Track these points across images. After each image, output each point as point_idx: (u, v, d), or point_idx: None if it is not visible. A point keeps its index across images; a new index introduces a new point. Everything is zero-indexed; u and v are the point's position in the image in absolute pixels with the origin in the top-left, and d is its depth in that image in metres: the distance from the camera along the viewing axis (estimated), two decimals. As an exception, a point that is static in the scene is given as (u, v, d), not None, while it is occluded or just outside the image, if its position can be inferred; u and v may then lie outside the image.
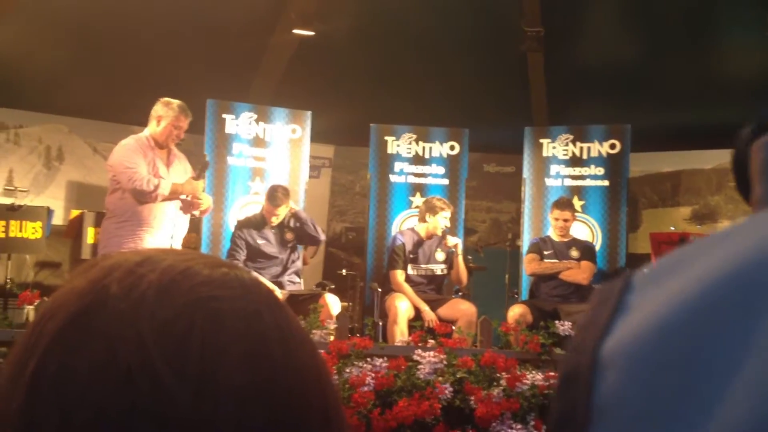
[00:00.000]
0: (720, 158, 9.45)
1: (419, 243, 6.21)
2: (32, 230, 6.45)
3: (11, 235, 6.39)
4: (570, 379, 0.53)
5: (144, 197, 4.81)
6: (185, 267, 0.56)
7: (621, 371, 0.49)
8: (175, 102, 5.04)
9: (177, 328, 0.52)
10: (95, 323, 0.52)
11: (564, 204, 6.37)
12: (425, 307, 5.90)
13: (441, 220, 6.16)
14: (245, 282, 0.57)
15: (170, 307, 0.53)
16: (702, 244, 0.53)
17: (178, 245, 5.15)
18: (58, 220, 7.52)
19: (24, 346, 0.54)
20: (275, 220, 5.97)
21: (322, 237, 6.17)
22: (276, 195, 5.96)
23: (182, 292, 0.54)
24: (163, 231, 4.95)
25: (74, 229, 6.47)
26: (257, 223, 5.98)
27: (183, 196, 5.01)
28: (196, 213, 5.19)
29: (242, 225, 6.00)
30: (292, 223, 6.05)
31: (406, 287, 6.03)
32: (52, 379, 0.51)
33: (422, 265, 6.21)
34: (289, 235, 5.99)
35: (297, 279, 6.10)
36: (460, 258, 6.20)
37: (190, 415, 0.50)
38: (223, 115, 6.75)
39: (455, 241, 6.17)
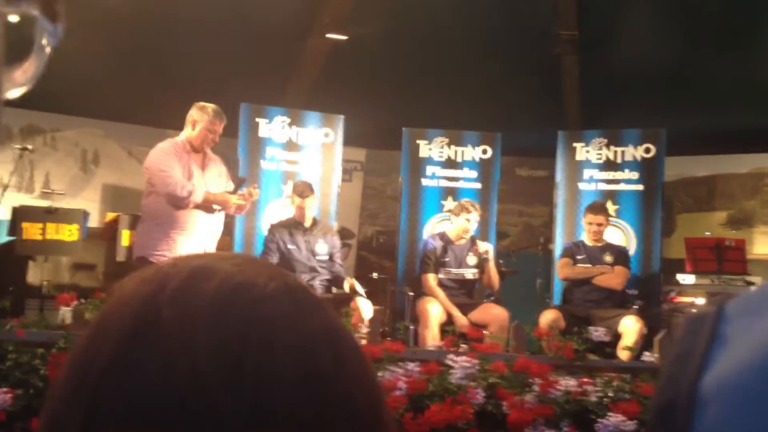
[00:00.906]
0: (755, 162, 9.32)
1: (451, 247, 6.20)
2: (68, 232, 6.54)
3: (48, 237, 6.48)
4: (667, 413, 0.51)
5: (178, 202, 4.86)
6: (237, 284, 0.55)
7: (723, 407, 0.48)
8: (210, 106, 5.09)
9: (231, 354, 0.52)
10: (149, 348, 0.52)
11: (597, 208, 6.32)
12: (457, 312, 5.88)
13: (472, 221, 6.13)
14: (297, 298, 0.57)
15: (223, 332, 0.52)
16: None
17: (212, 248, 5.19)
18: (93, 222, 7.62)
19: (79, 365, 0.54)
20: (307, 221, 5.97)
21: (342, 274, 6.11)
22: (298, 188, 6.02)
23: (235, 313, 0.53)
24: (198, 234, 5.00)
25: (109, 231, 6.55)
26: (290, 226, 5.99)
27: (215, 207, 5.07)
28: (231, 210, 5.23)
29: (275, 228, 6.02)
30: (328, 241, 6.02)
31: (439, 291, 6.02)
32: (110, 405, 0.51)
33: (453, 270, 6.19)
34: (320, 249, 5.98)
35: (327, 284, 6.01)
36: (492, 263, 6.18)
37: None
38: (257, 119, 6.80)
39: (486, 247, 6.14)
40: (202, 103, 5.10)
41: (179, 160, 4.95)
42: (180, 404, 0.50)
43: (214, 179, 5.14)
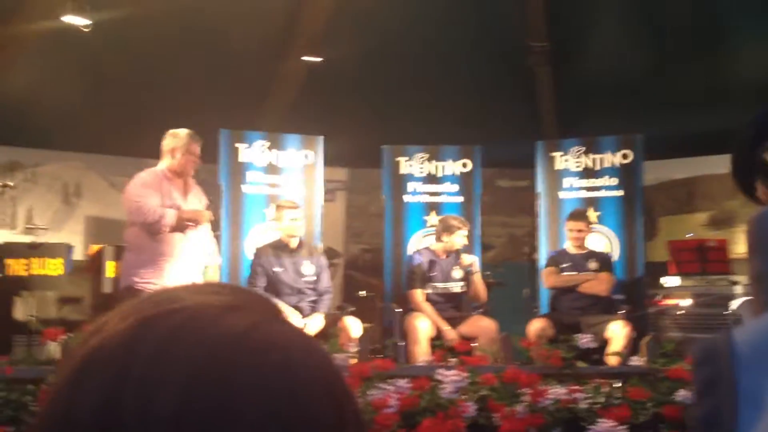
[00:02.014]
0: (734, 162, 9.41)
1: (436, 262, 6.23)
2: (53, 267, 6.54)
3: (33, 272, 6.47)
4: None
5: (152, 229, 4.86)
6: (201, 368, 0.54)
7: None
8: (183, 131, 5.11)
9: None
10: (121, 411, 0.52)
11: (577, 215, 6.38)
12: (446, 326, 5.91)
13: (458, 239, 6.18)
14: (264, 371, 0.55)
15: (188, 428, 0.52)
16: None
17: (197, 272, 5.18)
18: (78, 255, 7.60)
19: (58, 409, 0.54)
20: (293, 241, 5.98)
21: (329, 294, 6.12)
22: (278, 205, 6.08)
23: (204, 400, 0.52)
24: (182, 260, 5.00)
25: (95, 263, 6.54)
26: (275, 249, 6.01)
27: (189, 223, 5.06)
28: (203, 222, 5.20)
29: (260, 252, 6.03)
30: (314, 261, 6.04)
31: (426, 306, 6.04)
32: None
33: (440, 284, 6.22)
34: (306, 270, 5.98)
35: (314, 305, 5.99)
36: (478, 275, 6.21)
37: None
38: (236, 144, 6.82)
39: (471, 260, 6.18)
40: (174, 131, 5.12)
41: (158, 189, 4.95)
42: None
43: (194, 205, 5.17)
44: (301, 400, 0.56)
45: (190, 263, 5.08)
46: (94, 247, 6.81)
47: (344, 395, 0.59)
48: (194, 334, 0.55)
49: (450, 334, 5.82)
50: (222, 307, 0.58)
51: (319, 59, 8.17)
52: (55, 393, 0.56)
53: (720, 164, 9.40)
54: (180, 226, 4.97)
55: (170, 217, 4.88)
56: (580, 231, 6.26)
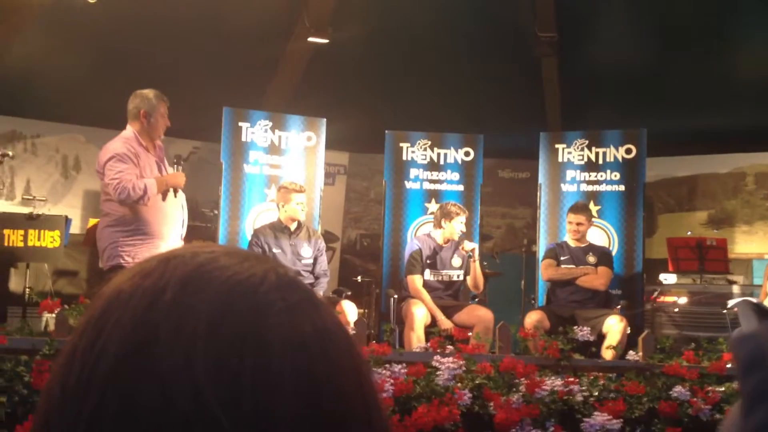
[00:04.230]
0: (736, 162, 9.42)
1: (436, 249, 6.21)
2: (50, 239, 6.50)
3: (30, 244, 6.44)
4: None
5: (135, 204, 4.69)
6: (230, 290, 0.55)
7: None
8: (150, 92, 4.85)
9: (228, 366, 0.52)
10: (149, 365, 0.52)
11: (579, 208, 6.37)
12: (441, 316, 5.89)
13: (457, 225, 6.16)
14: (291, 301, 0.57)
15: (219, 345, 0.53)
16: None
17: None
18: (75, 229, 7.58)
19: (76, 377, 0.54)
20: (293, 224, 5.97)
21: (326, 278, 6.10)
22: (283, 187, 6.02)
23: (230, 325, 0.53)
24: (169, 231, 4.85)
25: (92, 237, 6.50)
26: (274, 230, 5.99)
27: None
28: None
29: (259, 232, 6.01)
30: (312, 245, 6.02)
31: (424, 293, 6.03)
32: (112, 423, 0.51)
33: (439, 271, 6.20)
34: (305, 253, 5.97)
35: (314, 288, 6.01)
36: (477, 263, 6.19)
37: None
38: (239, 123, 6.78)
39: (472, 246, 6.16)
40: (140, 92, 4.86)
41: (135, 159, 4.71)
42: (183, 424, 0.50)
43: (167, 166, 4.97)
44: (335, 364, 0.56)
45: (176, 232, 4.91)
46: (92, 221, 6.78)
47: (365, 366, 0.60)
48: (221, 270, 0.57)
49: (445, 323, 5.81)
50: (246, 272, 0.58)
51: (325, 41, 8.12)
52: (81, 329, 0.56)
53: (722, 164, 9.40)
54: (162, 193, 4.79)
55: (152, 187, 4.65)
56: (580, 224, 6.25)
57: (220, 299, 0.54)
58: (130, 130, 4.84)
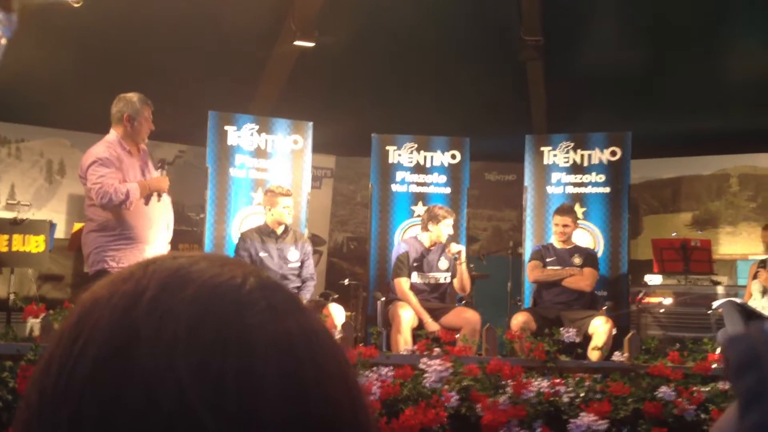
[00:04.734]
0: (719, 164, 9.49)
1: (423, 251, 6.22)
2: (35, 244, 6.47)
3: (14, 249, 6.40)
4: None
5: (119, 208, 4.67)
6: (212, 291, 0.54)
7: None
8: (134, 95, 4.84)
9: (212, 367, 0.51)
10: (130, 367, 0.51)
11: (564, 210, 6.40)
12: (428, 318, 5.90)
13: (444, 228, 6.18)
14: (274, 302, 0.56)
15: (202, 345, 0.51)
16: None
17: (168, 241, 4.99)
18: (60, 233, 7.54)
19: (54, 382, 0.53)
20: (280, 228, 5.96)
21: (313, 281, 6.11)
22: (270, 190, 6.01)
23: (212, 324, 0.52)
24: (154, 235, 4.83)
25: (77, 242, 6.47)
26: (261, 234, 5.98)
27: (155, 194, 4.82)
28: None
29: (246, 236, 6.00)
30: (299, 248, 6.01)
31: (411, 296, 6.03)
32: (92, 428, 0.50)
33: (426, 274, 6.21)
34: (291, 256, 5.97)
35: (297, 292, 5.99)
36: (464, 266, 6.21)
37: None
38: (225, 127, 6.77)
39: (459, 248, 6.17)
40: (124, 95, 4.84)
41: (118, 164, 4.69)
42: (167, 426, 0.49)
43: (151, 170, 4.97)
44: (322, 367, 0.55)
45: (161, 236, 4.89)
46: (77, 226, 6.74)
47: (351, 369, 0.59)
48: (201, 273, 0.56)
49: (432, 326, 5.82)
50: (227, 274, 0.58)
51: (311, 44, 8.12)
52: (59, 334, 0.55)
53: (706, 165, 9.47)
54: (145, 197, 4.77)
55: (134, 192, 4.64)
56: (566, 226, 6.28)
57: (201, 300, 0.53)
58: (113, 134, 4.82)
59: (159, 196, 4.87)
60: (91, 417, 0.50)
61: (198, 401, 0.50)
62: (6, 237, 6.38)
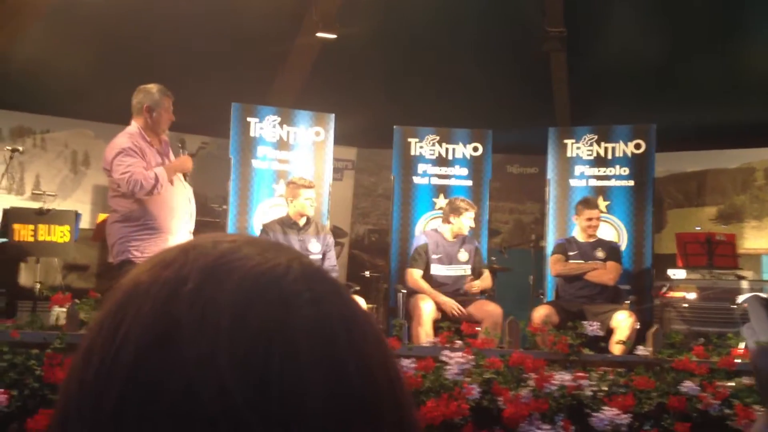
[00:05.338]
0: (745, 157, 9.38)
1: (444, 244, 6.22)
2: (60, 234, 6.53)
3: (40, 238, 6.47)
4: None
5: (149, 194, 4.67)
6: (255, 280, 0.53)
7: None
8: (154, 86, 4.86)
9: (255, 362, 0.50)
10: (171, 358, 0.50)
11: (594, 203, 6.39)
12: (444, 299, 5.93)
13: (465, 221, 6.17)
14: (317, 292, 0.55)
15: (246, 338, 0.51)
16: None
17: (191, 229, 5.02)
18: (85, 224, 7.60)
19: (95, 372, 0.52)
20: (302, 219, 5.97)
21: (335, 273, 6.10)
22: (292, 182, 6.02)
23: (256, 317, 0.51)
24: (179, 225, 4.86)
25: (101, 232, 6.52)
26: (283, 225, 5.99)
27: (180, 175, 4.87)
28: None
29: (268, 227, 6.02)
30: (321, 240, 6.02)
31: (423, 283, 6.05)
32: (135, 418, 0.49)
33: (446, 266, 6.21)
34: (313, 248, 5.97)
35: None
36: (486, 278, 6.23)
37: None
38: (248, 119, 6.79)
39: (479, 285, 6.18)
40: (144, 86, 4.87)
41: (141, 153, 4.72)
42: (209, 423, 0.49)
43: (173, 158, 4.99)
44: (365, 363, 0.54)
45: (184, 226, 4.91)
46: (102, 216, 6.79)
47: (393, 360, 0.59)
48: (243, 261, 0.55)
49: (449, 304, 5.87)
50: (270, 261, 0.57)
51: (333, 36, 8.11)
52: (98, 323, 0.55)
53: (731, 159, 9.36)
54: (171, 180, 4.77)
55: (162, 175, 4.67)
56: (598, 219, 6.29)
57: (244, 291, 0.53)
58: (134, 126, 4.84)
59: (185, 176, 4.91)
60: (132, 407, 0.50)
61: (240, 393, 0.49)
62: (32, 227, 6.44)
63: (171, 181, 4.79)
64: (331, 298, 0.56)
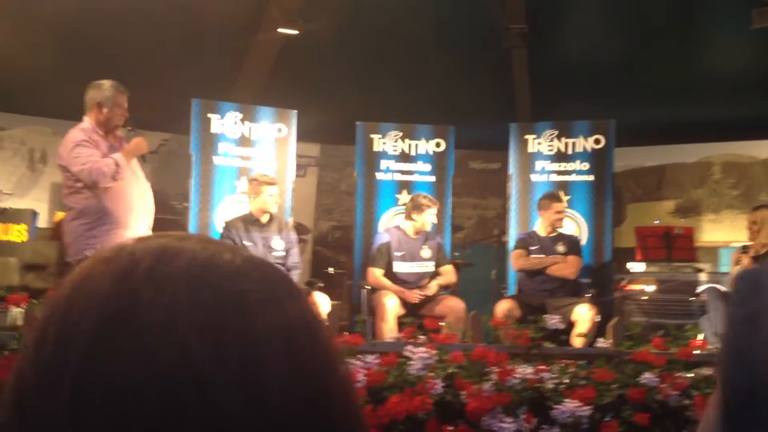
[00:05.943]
0: (703, 152, 9.54)
1: (406, 241, 6.23)
2: (17, 233, 6.43)
3: (-4, 238, 6.36)
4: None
5: (113, 180, 4.62)
6: (206, 260, 0.55)
7: None
8: (107, 82, 4.81)
9: (212, 329, 0.52)
10: (130, 333, 0.51)
11: (559, 196, 6.47)
12: (406, 293, 5.96)
13: (428, 218, 6.19)
14: (266, 273, 0.57)
15: (202, 306, 0.52)
16: None
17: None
18: (42, 222, 7.48)
19: (52, 349, 0.52)
20: (264, 216, 5.94)
21: (298, 270, 6.09)
22: (254, 179, 6.00)
23: (210, 289, 0.53)
24: (138, 218, 4.81)
25: (60, 231, 6.42)
26: (245, 222, 5.96)
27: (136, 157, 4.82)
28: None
29: (230, 225, 5.98)
30: (284, 237, 5.99)
31: (384, 280, 6.08)
32: (98, 395, 0.50)
33: (409, 263, 6.22)
34: (276, 245, 5.94)
35: None
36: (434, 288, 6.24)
37: (241, 415, 0.50)
38: (209, 115, 6.73)
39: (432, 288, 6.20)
40: (97, 82, 4.82)
41: (96, 146, 4.67)
42: (172, 389, 0.49)
43: None
44: (318, 356, 0.57)
45: (142, 221, 4.85)
46: (60, 214, 6.69)
47: (341, 356, 0.61)
48: (191, 249, 0.57)
49: (410, 295, 5.93)
50: (216, 250, 0.59)
51: (295, 32, 8.07)
52: (53, 303, 0.55)
53: (689, 154, 9.51)
54: (129, 162, 4.73)
55: (121, 160, 4.63)
56: (564, 212, 6.39)
57: (196, 266, 0.55)
58: (87, 122, 4.80)
59: (142, 161, 4.85)
60: (94, 383, 0.50)
61: (199, 357, 0.50)
62: (-13, 226, 6.33)
63: (129, 166, 4.72)
64: (282, 286, 0.58)
